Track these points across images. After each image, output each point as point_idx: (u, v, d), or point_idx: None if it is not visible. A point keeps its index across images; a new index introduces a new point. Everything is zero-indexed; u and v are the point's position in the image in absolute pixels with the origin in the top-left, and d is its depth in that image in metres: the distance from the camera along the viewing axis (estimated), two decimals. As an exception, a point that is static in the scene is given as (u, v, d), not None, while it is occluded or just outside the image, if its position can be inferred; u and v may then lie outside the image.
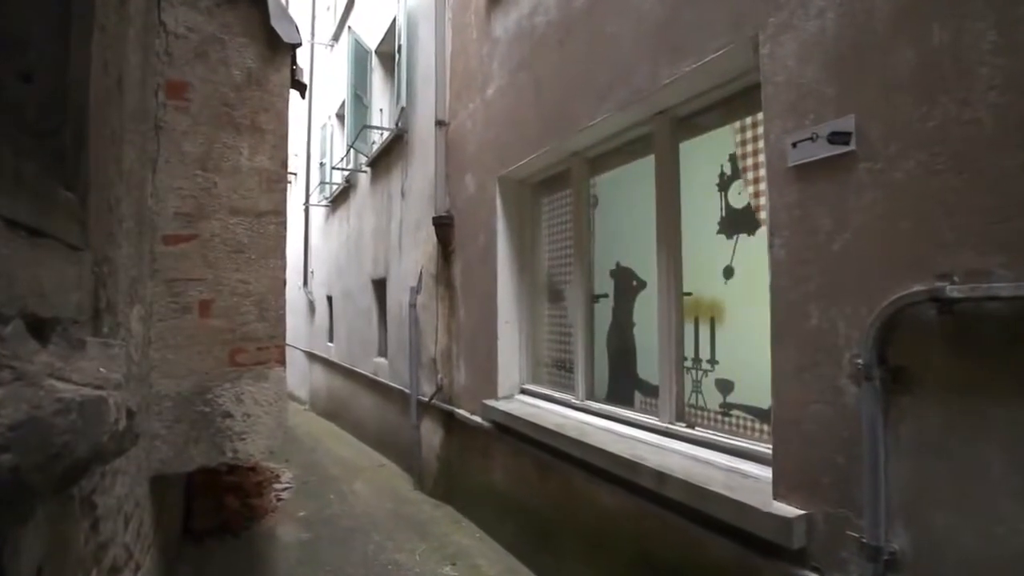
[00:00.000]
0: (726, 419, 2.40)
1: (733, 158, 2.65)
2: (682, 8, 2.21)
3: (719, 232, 2.72)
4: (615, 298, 3.29)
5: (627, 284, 3.22)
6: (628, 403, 2.95)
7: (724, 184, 2.69)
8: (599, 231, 3.24)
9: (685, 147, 2.50)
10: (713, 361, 2.74)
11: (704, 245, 2.73)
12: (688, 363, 2.72)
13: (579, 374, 3.13)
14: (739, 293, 2.72)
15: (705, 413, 2.53)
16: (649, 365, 2.91)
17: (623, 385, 3.24)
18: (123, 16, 1.53)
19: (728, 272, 2.78)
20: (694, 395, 2.74)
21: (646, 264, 2.84)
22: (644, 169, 2.66)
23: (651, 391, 2.77)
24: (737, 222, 2.69)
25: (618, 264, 3.24)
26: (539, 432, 2.97)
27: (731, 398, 2.62)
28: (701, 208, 2.76)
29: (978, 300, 1.30)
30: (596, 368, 3.20)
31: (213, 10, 2.56)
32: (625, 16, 2.51)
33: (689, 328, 2.77)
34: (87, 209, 1.12)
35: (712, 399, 2.66)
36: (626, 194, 3.04)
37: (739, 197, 2.65)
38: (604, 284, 3.32)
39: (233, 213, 2.60)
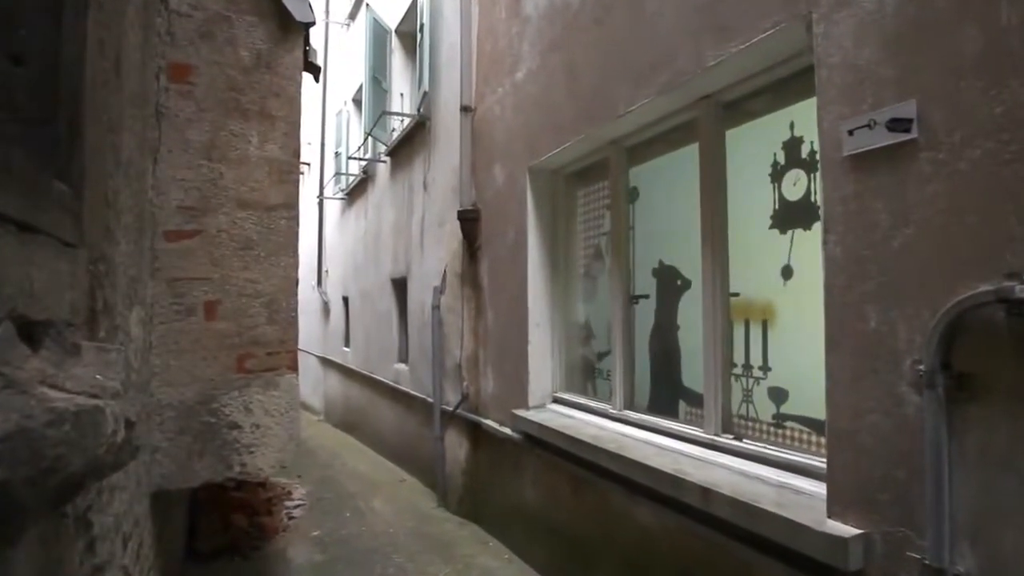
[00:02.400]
0: (779, 431, 2.43)
1: (788, 145, 2.67)
2: (729, -17, 2.26)
3: (772, 227, 2.74)
4: (657, 299, 3.30)
5: (671, 284, 3.24)
6: (671, 413, 2.99)
7: (778, 174, 2.71)
8: (640, 226, 3.29)
9: (733, 134, 2.55)
10: (766, 368, 2.75)
11: (756, 241, 2.75)
12: (737, 370, 2.74)
13: (617, 382, 3.20)
14: (795, 294, 2.73)
15: (757, 425, 2.55)
16: (695, 372, 2.94)
17: (666, 394, 3.26)
18: (121, -9, 1.52)
19: (787, 272, 2.78)
20: (744, 405, 2.75)
21: (691, 262, 2.87)
22: (689, 159, 2.72)
23: (697, 400, 2.81)
24: (792, 216, 2.71)
25: (661, 262, 3.26)
26: (573, 445, 3.06)
27: (785, 408, 2.63)
28: (752, 200, 2.78)
29: (1050, 301, 1.33)
30: (636, 375, 3.24)
31: (219, -14, 2.58)
32: (667, -8, 2.58)
33: (739, 332, 2.79)
34: (82, 202, 1.12)
35: (764, 410, 2.68)
36: (669, 186, 3.09)
37: (794, 188, 2.67)
38: (645, 284, 3.36)
39: (241, 207, 2.61)
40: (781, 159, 2.58)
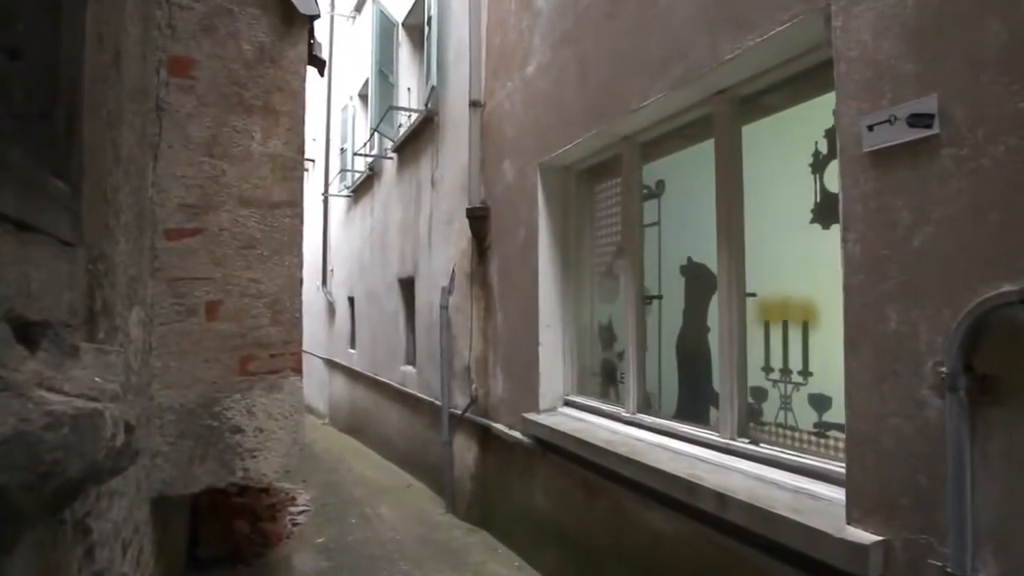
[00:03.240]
0: (823, 441, 2.37)
1: (833, 133, 2.59)
2: (745, -25, 2.28)
3: (813, 221, 2.64)
4: (686, 298, 3.22)
5: (700, 282, 3.17)
6: (701, 421, 2.92)
7: (819, 165, 2.61)
8: (666, 221, 3.25)
9: (768, 124, 2.50)
10: (806, 373, 2.70)
11: (793, 237, 2.67)
12: (775, 375, 2.72)
13: (630, 384, 3.22)
14: (840, 293, 2.61)
15: (797, 435, 2.45)
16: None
17: (695, 400, 3.20)
18: (120, -16, 1.53)
19: (830, 269, 2.65)
20: (782, 412, 2.66)
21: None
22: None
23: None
24: (836, 209, 2.61)
25: (689, 259, 3.20)
26: (585, 449, 3.08)
27: (829, 416, 2.58)
28: (788, 194, 2.69)
29: (1075, 301, 1.34)
30: (663, 380, 3.20)
31: (221, -23, 2.59)
32: (681, -16, 2.59)
33: (776, 334, 2.74)
34: (80, 200, 1.13)
35: (805, 417, 2.62)
36: (698, 178, 3.00)
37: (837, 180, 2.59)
38: (671, 282, 3.31)
39: (243, 204, 2.62)
40: (823, 148, 2.52)
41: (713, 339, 3.09)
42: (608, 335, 3.70)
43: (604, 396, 3.62)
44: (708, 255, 3.00)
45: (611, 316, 3.67)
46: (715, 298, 2.94)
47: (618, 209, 3.46)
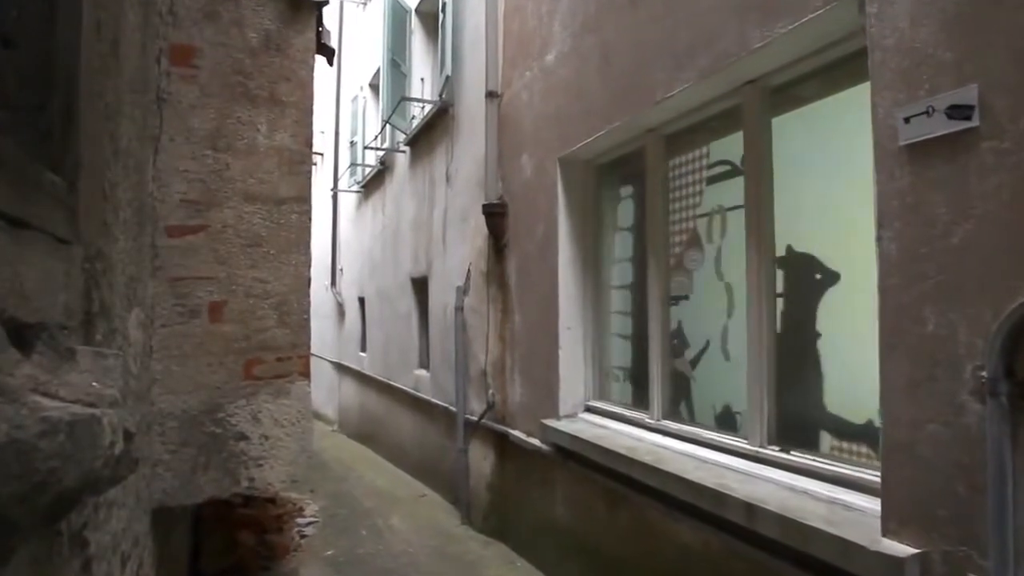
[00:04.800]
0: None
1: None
2: (776, -41, 2.30)
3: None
4: (787, 295, 2.79)
5: (806, 277, 2.78)
6: (810, 447, 2.52)
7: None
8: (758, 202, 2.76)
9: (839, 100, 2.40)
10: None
11: (860, 229, 2.37)
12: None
13: (654, 389, 3.25)
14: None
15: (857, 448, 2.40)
16: (846, 393, 2.55)
17: (801, 422, 2.68)
18: (119, -32, 1.52)
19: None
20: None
21: (838, 249, 2.59)
22: (832, 109, 2.46)
23: (851, 432, 2.48)
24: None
25: (790, 249, 2.77)
26: (608, 457, 3.12)
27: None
28: (854, 186, 2.39)
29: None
30: (767, 403, 2.69)
31: (224, -40, 2.61)
32: (709, -32, 2.62)
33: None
34: (77, 195, 1.13)
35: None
36: (798, 149, 2.70)
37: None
38: (770, 276, 2.77)
39: (249, 200, 2.62)
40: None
41: (827, 346, 2.67)
42: (689, 341, 3.37)
43: (627, 401, 3.65)
44: (817, 244, 2.68)
45: (695, 318, 3.32)
46: (827, 295, 2.67)
47: (640, 204, 3.48)
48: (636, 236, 3.68)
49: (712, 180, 3.18)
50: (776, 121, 2.63)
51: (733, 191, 2.94)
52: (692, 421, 3.18)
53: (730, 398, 3.07)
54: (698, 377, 3.30)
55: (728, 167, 3.07)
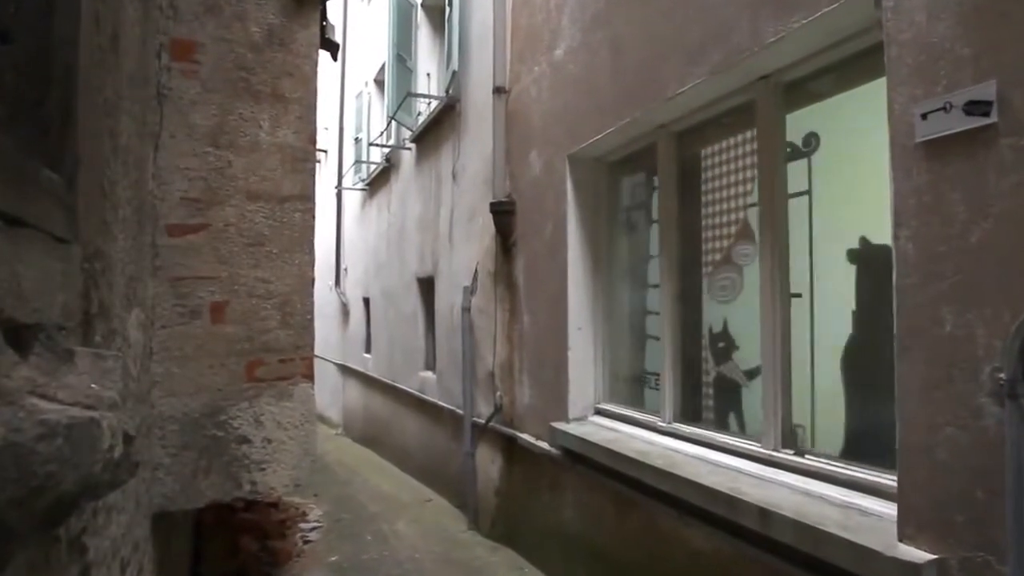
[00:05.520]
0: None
1: None
2: (790, -49, 2.31)
3: None
4: (858, 296, 2.64)
5: (884, 272, 2.27)
6: (886, 466, 2.17)
7: None
8: (822, 188, 2.70)
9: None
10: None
11: None
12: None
13: (666, 391, 3.27)
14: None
15: None
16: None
17: (877, 439, 2.36)
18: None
19: None
20: None
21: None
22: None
23: None
24: None
25: (864, 241, 2.63)
26: (618, 461, 3.14)
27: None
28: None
29: None
30: (819, 408, 2.64)
31: (226, -46, 2.62)
32: (721, -39, 2.63)
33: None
34: (75, 193, 1.13)
35: None
36: (873, 128, 2.28)
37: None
38: (831, 272, 2.68)
39: (251, 198, 2.64)
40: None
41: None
42: (739, 343, 3.14)
43: (637, 404, 3.66)
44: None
45: (743, 317, 3.03)
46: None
47: (650, 202, 3.49)
48: (648, 234, 3.69)
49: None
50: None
51: (796, 175, 2.69)
52: (743, 434, 2.88)
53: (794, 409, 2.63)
54: (753, 385, 2.89)
55: (788, 149, 2.75)
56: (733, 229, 3.12)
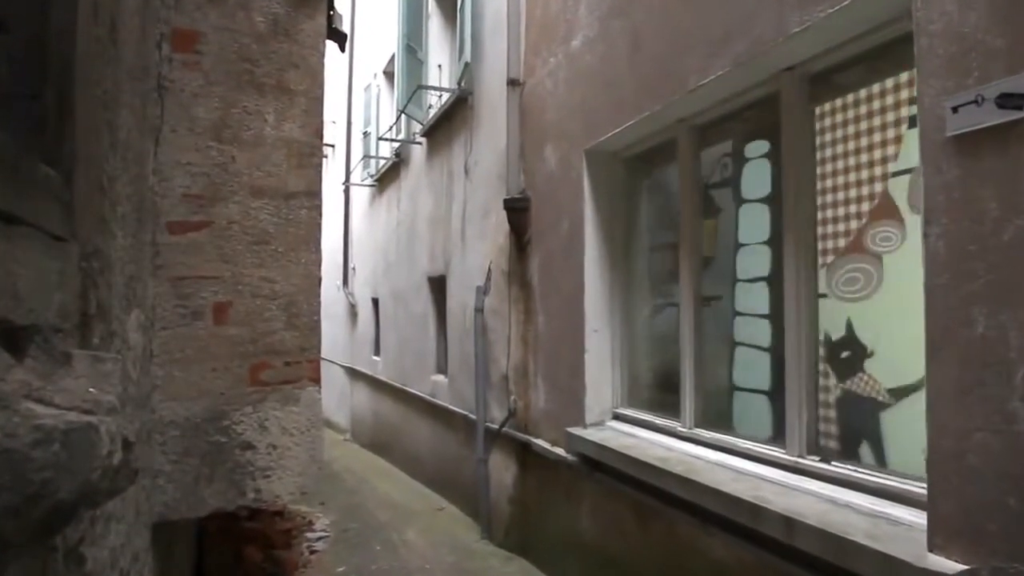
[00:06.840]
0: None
1: None
2: (816, -62, 2.32)
3: None
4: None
5: None
6: None
7: None
8: None
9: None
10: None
11: None
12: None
13: (686, 395, 3.29)
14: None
15: None
16: None
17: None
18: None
19: None
20: None
21: None
22: None
23: None
24: None
25: None
26: (637, 468, 3.16)
27: None
28: None
29: None
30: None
31: (229, -60, 2.62)
32: (744, -52, 2.65)
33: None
34: (73, 189, 1.14)
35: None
36: None
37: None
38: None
39: (255, 195, 2.63)
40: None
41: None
42: (852, 351, 2.66)
43: (657, 409, 3.67)
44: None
45: (851, 319, 2.59)
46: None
47: (671, 199, 3.51)
48: (670, 232, 3.71)
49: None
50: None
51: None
52: (884, 471, 2.34)
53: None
54: (902, 408, 2.37)
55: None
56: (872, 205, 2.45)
